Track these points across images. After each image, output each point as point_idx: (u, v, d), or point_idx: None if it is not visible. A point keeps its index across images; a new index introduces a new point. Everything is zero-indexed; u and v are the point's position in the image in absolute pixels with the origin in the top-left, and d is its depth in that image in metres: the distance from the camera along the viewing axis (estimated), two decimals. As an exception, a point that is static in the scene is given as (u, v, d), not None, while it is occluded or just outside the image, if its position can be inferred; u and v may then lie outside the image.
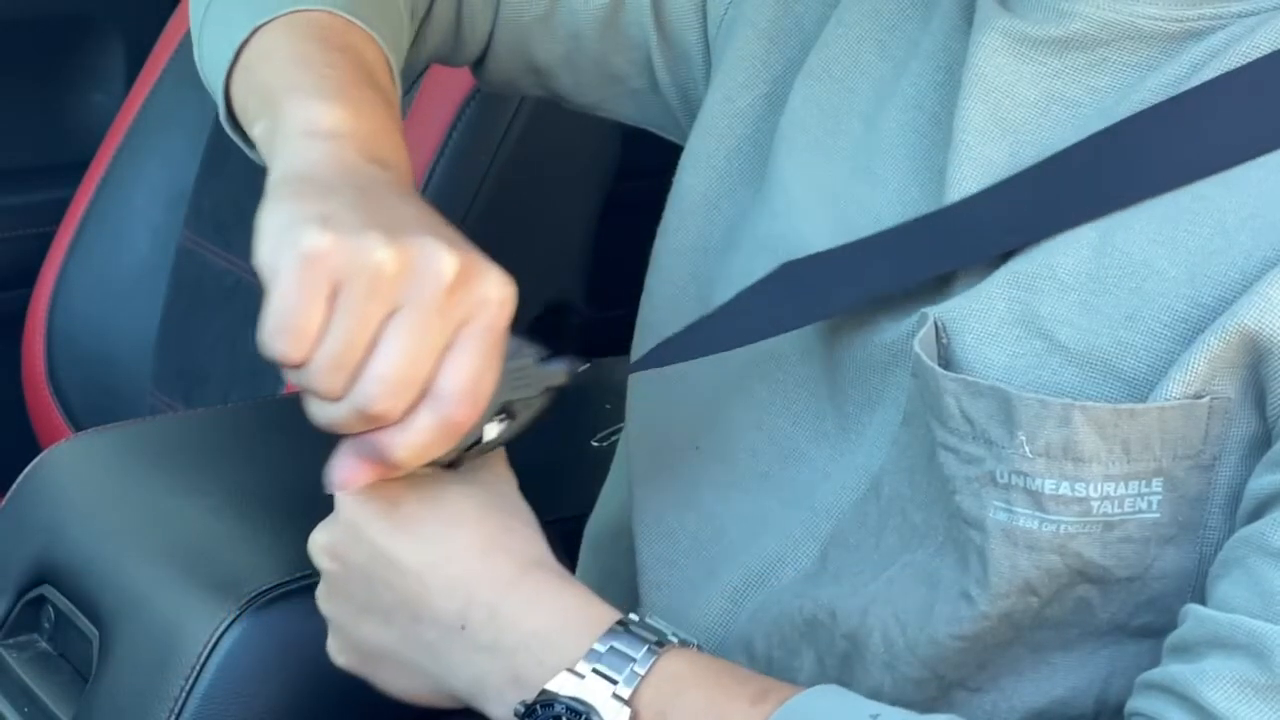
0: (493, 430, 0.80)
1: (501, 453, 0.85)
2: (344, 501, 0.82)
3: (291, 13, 0.87)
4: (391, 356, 0.69)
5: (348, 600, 0.82)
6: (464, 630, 0.79)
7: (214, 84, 0.90)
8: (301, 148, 0.77)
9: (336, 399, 0.70)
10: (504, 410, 0.79)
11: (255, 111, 0.84)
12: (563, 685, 0.77)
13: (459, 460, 0.82)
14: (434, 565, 0.80)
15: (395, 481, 0.81)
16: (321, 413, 0.72)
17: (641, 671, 0.76)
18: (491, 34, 1.03)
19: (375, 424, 0.71)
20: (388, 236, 0.70)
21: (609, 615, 0.79)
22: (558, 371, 0.82)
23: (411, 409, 0.71)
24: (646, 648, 0.77)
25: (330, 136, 0.77)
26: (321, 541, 0.83)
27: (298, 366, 0.70)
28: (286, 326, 0.69)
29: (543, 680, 0.77)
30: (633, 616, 0.79)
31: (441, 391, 0.71)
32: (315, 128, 0.78)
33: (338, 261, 0.69)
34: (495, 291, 0.71)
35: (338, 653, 0.84)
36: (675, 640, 0.78)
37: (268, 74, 0.84)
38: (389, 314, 0.69)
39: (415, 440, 0.71)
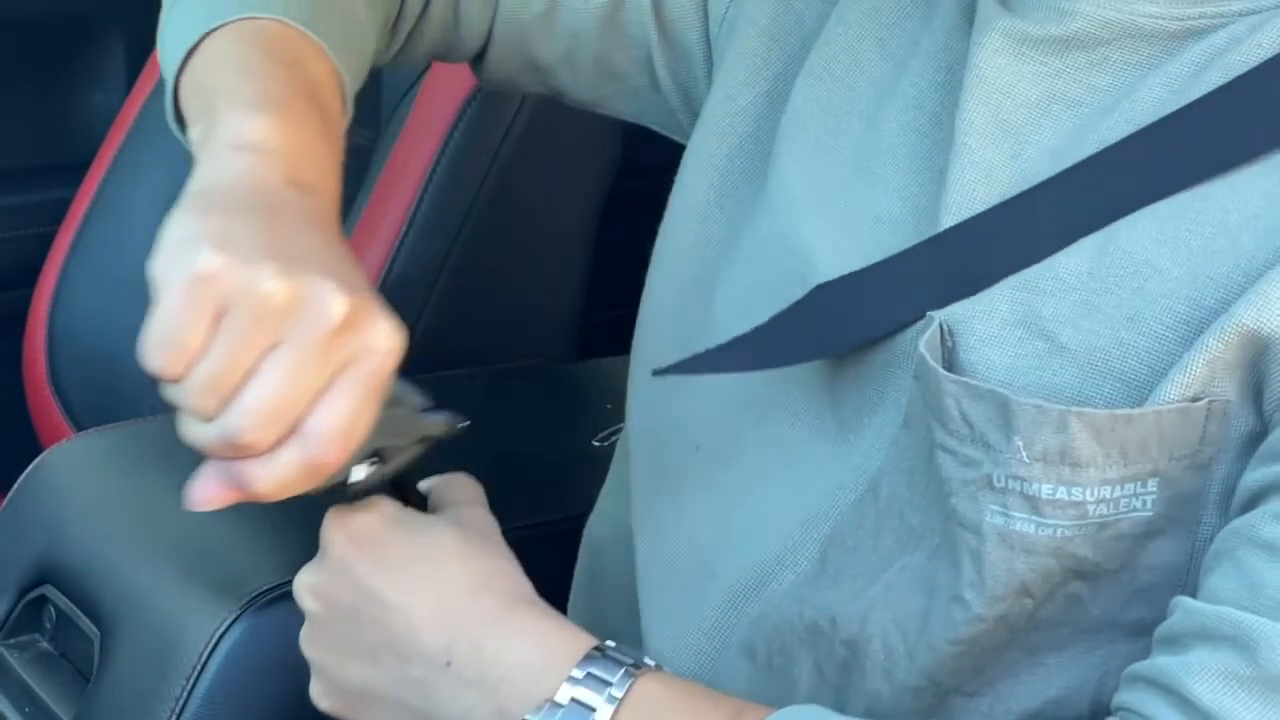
0: (361, 473, 0.80)
1: (483, 497, 0.87)
2: (331, 542, 0.84)
3: (244, 19, 0.87)
4: (264, 390, 0.69)
5: (333, 641, 0.83)
6: (450, 666, 0.80)
7: (168, 84, 0.90)
8: (224, 160, 0.77)
9: (207, 421, 0.70)
10: (376, 454, 0.80)
11: (194, 116, 0.84)
12: (544, 715, 0.78)
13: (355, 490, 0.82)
14: (422, 603, 0.81)
15: (382, 523, 0.83)
16: (191, 432, 0.72)
17: (619, 694, 0.78)
18: (490, 31, 1.03)
19: (241, 453, 0.71)
20: (282, 268, 0.69)
21: (587, 642, 0.80)
22: (436, 423, 0.82)
23: (280, 443, 0.71)
24: (623, 670, 0.78)
25: (256, 151, 0.77)
26: (308, 582, 0.85)
27: (174, 383, 0.70)
28: (166, 342, 0.69)
29: (525, 711, 0.78)
30: (609, 643, 0.80)
31: (310, 431, 0.70)
32: (243, 141, 0.77)
33: (226, 286, 0.69)
34: (382, 340, 0.71)
35: (321, 696, 0.85)
36: (651, 664, 0.79)
37: (209, 80, 0.84)
38: (270, 346, 0.69)
39: (277, 475, 0.71)
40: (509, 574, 0.83)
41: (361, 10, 0.94)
